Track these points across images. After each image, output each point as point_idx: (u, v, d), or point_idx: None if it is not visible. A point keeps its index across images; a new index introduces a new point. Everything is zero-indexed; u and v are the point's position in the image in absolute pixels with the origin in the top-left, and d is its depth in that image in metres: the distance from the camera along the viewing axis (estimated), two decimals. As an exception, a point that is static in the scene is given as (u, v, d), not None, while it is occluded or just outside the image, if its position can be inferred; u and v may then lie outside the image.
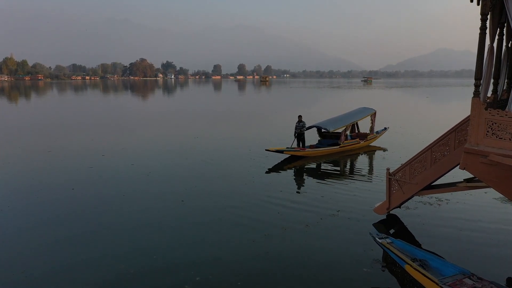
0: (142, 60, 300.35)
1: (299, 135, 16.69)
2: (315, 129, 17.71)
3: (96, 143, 19.40)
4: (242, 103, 51.28)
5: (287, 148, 16.20)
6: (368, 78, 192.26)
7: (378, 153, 17.42)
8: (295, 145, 16.91)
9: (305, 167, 15.03)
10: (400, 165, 8.72)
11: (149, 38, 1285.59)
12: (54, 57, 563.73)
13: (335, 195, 11.28)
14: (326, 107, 41.14)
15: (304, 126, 16.69)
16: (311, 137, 18.45)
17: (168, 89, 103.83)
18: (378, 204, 9.37)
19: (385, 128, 19.93)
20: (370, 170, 14.49)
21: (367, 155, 17.15)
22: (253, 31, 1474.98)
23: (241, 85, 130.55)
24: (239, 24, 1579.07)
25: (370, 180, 13.03)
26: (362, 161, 16.17)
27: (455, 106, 43.69)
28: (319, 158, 16.18)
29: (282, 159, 15.84)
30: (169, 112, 37.81)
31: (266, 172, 13.98)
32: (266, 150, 15.84)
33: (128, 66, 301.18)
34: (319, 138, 17.94)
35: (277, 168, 14.72)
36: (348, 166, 15.53)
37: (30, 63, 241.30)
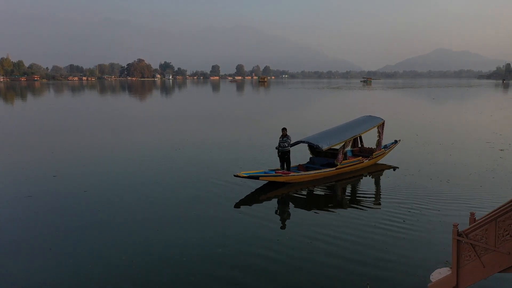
0: (140, 60, 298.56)
1: (283, 154, 12.72)
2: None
3: (55, 155, 16.86)
4: (237, 106, 48.51)
5: (265, 172, 12.13)
6: (367, 79, 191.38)
7: (388, 175, 13.66)
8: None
9: (290, 197, 11.30)
10: (477, 221, 5.33)
11: (148, 39, 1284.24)
12: (52, 58, 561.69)
13: (337, 249, 7.63)
14: (328, 111, 38.45)
15: (289, 142, 12.70)
16: (303, 153, 14.64)
17: (163, 90, 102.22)
18: (436, 278, 5.64)
19: (396, 141, 16.09)
20: (382, 202, 10.76)
21: (373, 177, 13.48)
22: (251, 32, 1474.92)
23: (239, 86, 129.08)
24: (237, 25, 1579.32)
25: (387, 222, 9.00)
26: (367, 187, 12.50)
27: (468, 109, 41.16)
28: (309, 183, 12.22)
29: (259, 186, 11.83)
30: (158, 115, 35.24)
31: (235, 207, 10.16)
32: (235, 176, 11.44)
33: (125, 66, 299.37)
34: (311, 156, 14.09)
35: (250, 200, 10.87)
36: (348, 196, 11.98)
37: (27, 64, 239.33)
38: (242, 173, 11.56)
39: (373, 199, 11.27)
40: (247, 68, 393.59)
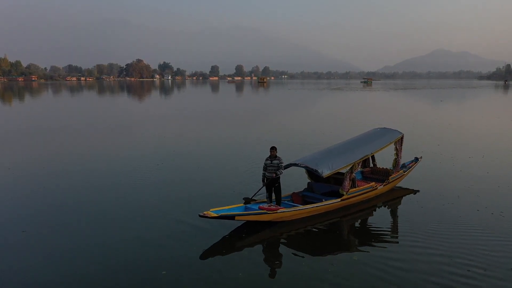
0: (139, 61, 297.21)
1: (271, 182, 9.51)
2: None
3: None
4: (235, 108, 46.74)
5: (245, 207, 9.29)
6: (368, 79, 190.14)
7: (410, 203, 10.73)
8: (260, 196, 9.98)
9: (280, 242, 8.43)
10: None
11: (147, 39, 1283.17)
12: (51, 58, 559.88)
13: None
14: (332, 115, 34.66)
15: (280, 166, 9.52)
16: (299, 176, 11.54)
17: (161, 91, 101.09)
18: None
19: (417, 159, 13.03)
20: (408, 250, 7.81)
21: (389, 208, 10.63)
22: (251, 32, 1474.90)
23: (238, 87, 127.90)
24: (237, 25, 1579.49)
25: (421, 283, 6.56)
26: (384, 224, 9.43)
27: (482, 112, 38.99)
28: (305, 221, 9.21)
29: (237, 225, 8.91)
30: (149, 119, 32.56)
31: (202, 258, 7.52)
32: (200, 216, 8.27)
33: (124, 67, 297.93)
34: (309, 181, 10.89)
35: (223, 247, 8.02)
36: (358, 237, 8.90)
37: (25, 64, 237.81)
38: (211, 212, 8.35)
39: (394, 245, 8.18)
40: (247, 68, 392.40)
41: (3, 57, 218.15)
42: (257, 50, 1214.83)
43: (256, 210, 8.97)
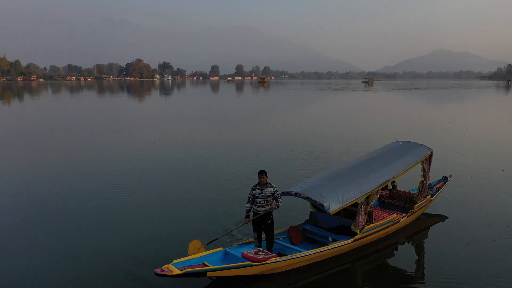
0: (139, 60, 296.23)
1: (261, 219, 7.26)
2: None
3: None
4: (233, 110, 45.40)
5: (226, 256, 7.06)
6: (369, 79, 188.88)
7: (436, 235, 8.74)
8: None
9: None
10: None
11: (147, 39, 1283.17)
12: (50, 58, 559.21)
13: None
14: (339, 119, 30.96)
15: (276, 196, 7.24)
16: (299, 201, 8.81)
17: (160, 91, 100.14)
18: None
19: (445, 179, 10.76)
20: None
21: (413, 243, 8.53)
22: (251, 32, 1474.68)
23: (238, 87, 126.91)
24: (237, 25, 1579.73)
25: None
26: (408, 267, 7.45)
27: (496, 114, 36.67)
28: (305, 270, 7.09)
29: (208, 283, 6.61)
30: (142, 122, 31.02)
31: None
32: (157, 274, 5.94)
33: (124, 66, 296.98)
34: (311, 210, 8.55)
35: None
36: None
37: (25, 64, 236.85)
38: (173, 267, 6.05)
39: None
40: (247, 68, 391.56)
41: (2, 57, 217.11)
42: (257, 50, 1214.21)
43: (238, 256, 6.73)
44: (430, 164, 9.47)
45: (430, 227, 9.15)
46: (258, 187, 7.17)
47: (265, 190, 7.12)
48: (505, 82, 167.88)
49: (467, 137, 22.00)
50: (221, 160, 15.82)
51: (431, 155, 9.48)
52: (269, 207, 7.13)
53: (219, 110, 41.05)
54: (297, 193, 7.64)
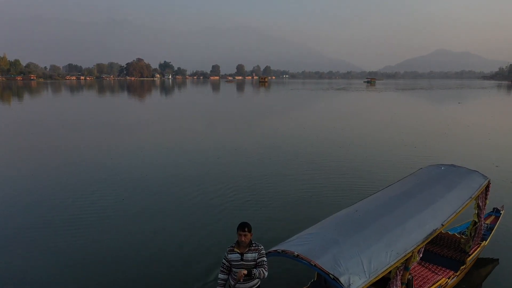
0: (139, 60, 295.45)
1: None
2: None
3: None
4: (231, 111, 44.63)
5: None
6: (371, 79, 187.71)
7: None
8: None
9: None
10: None
11: (147, 38, 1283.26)
12: (51, 57, 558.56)
13: None
14: (346, 122, 28.02)
15: (262, 263, 4.63)
16: None
17: (160, 91, 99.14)
18: None
19: (498, 212, 7.98)
20: None
21: None
22: (252, 32, 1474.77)
23: (239, 86, 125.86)
24: (238, 25, 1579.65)
25: None
26: None
27: None
28: None
29: None
30: (135, 128, 29.82)
31: None
32: None
33: (124, 66, 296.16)
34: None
35: None
36: None
37: (26, 63, 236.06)
38: None
39: None
40: (248, 68, 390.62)
41: (2, 56, 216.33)
42: (258, 50, 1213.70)
43: None
44: (486, 198, 6.81)
45: (486, 280, 6.82)
46: (236, 249, 4.69)
47: (247, 255, 4.62)
48: (508, 82, 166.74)
49: (494, 144, 19.28)
50: (216, 176, 13.49)
51: (487, 186, 6.77)
52: (253, 282, 4.63)
53: (217, 113, 39.97)
54: (298, 255, 4.59)
